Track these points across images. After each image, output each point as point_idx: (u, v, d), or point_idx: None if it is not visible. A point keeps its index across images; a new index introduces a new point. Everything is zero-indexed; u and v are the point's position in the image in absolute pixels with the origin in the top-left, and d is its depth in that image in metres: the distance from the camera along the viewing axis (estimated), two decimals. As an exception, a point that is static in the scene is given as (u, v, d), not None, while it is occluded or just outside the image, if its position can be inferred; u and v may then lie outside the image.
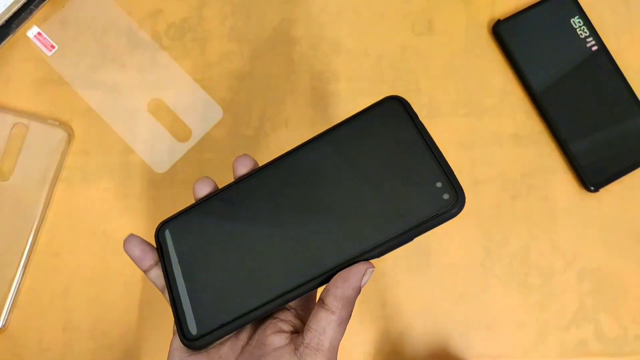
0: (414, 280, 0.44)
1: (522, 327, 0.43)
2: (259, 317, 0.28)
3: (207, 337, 0.28)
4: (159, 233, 0.31)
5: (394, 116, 0.29)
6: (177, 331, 0.29)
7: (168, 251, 0.30)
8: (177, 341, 0.29)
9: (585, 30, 0.46)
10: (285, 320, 0.29)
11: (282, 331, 0.28)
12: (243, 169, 0.31)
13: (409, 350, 0.43)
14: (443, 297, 0.44)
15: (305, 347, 0.27)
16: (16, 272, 0.42)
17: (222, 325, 0.28)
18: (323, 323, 0.27)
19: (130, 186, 0.44)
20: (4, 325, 0.42)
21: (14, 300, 0.42)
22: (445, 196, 0.27)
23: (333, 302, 0.27)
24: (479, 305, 0.43)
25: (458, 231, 0.44)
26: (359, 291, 0.27)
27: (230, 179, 0.31)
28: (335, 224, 0.28)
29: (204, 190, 0.31)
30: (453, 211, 0.27)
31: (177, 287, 0.29)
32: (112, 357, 0.42)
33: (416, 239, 0.27)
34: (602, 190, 0.44)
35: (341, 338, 0.28)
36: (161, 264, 0.30)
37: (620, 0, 0.47)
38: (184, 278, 0.29)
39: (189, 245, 0.30)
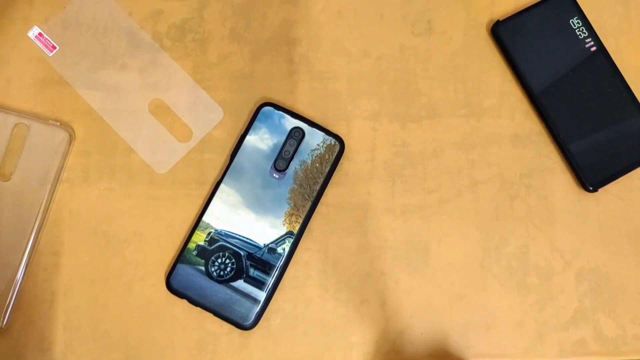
0: (413, 280, 0.44)
1: (521, 327, 0.43)
2: None
3: None
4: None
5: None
6: None
7: None
8: None
9: (584, 30, 0.46)
10: None
11: None
12: None
13: (408, 350, 0.43)
14: (442, 297, 0.44)
15: None
16: (17, 272, 0.43)
17: None
18: None
19: (131, 186, 0.45)
20: (4, 325, 0.42)
21: (14, 300, 0.43)
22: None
23: None
24: (478, 305, 0.44)
25: (457, 231, 0.44)
26: None
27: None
28: None
29: None
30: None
31: None
32: (112, 357, 0.43)
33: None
34: (601, 191, 0.45)
35: None
36: None
37: (619, 1, 0.47)
38: None
39: None
